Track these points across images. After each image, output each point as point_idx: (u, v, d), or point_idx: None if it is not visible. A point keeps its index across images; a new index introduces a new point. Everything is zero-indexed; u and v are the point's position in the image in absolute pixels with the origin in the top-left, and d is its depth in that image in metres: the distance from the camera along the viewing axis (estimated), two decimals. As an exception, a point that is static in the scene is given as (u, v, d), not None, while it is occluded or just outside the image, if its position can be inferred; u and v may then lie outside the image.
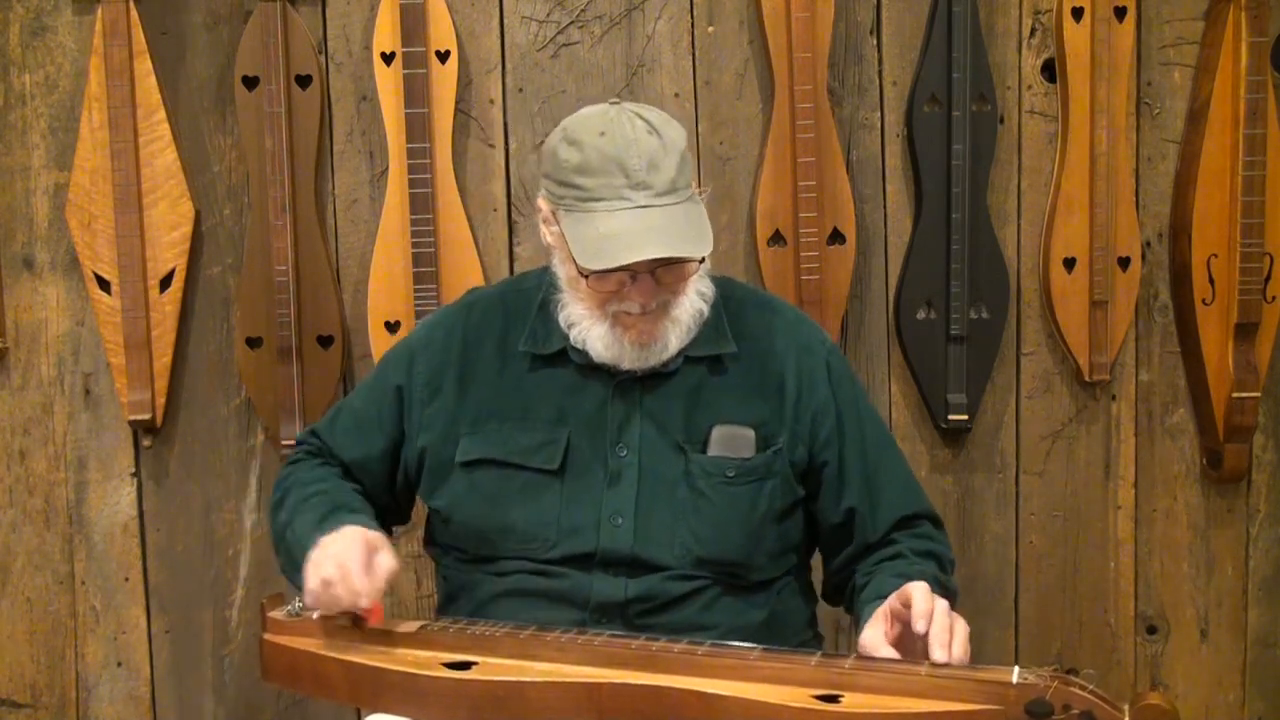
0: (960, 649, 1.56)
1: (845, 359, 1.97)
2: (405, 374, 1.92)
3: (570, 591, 1.79)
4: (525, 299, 1.91)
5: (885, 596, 1.68)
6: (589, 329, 1.80)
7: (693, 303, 1.81)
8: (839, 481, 1.87)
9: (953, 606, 1.81)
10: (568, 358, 1.84)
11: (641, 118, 1.74)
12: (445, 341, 1.91)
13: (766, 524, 1.83)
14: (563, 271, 1.82)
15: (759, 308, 1.93)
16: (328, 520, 1.78)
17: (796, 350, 1.88)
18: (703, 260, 1.78)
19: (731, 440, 1.82)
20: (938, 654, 1.54)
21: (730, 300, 1.90)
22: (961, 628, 1.59)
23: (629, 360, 1.80)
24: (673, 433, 1.82)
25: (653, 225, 1.69)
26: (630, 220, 1.69)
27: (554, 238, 1.80)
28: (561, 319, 1.83)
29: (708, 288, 1.84)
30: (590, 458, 1.82)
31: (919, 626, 1.57)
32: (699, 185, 1.80)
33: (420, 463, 1.90)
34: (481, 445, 1.85)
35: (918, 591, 1.61)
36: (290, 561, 1.82)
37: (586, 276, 1.74)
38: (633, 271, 1.72)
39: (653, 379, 1.83)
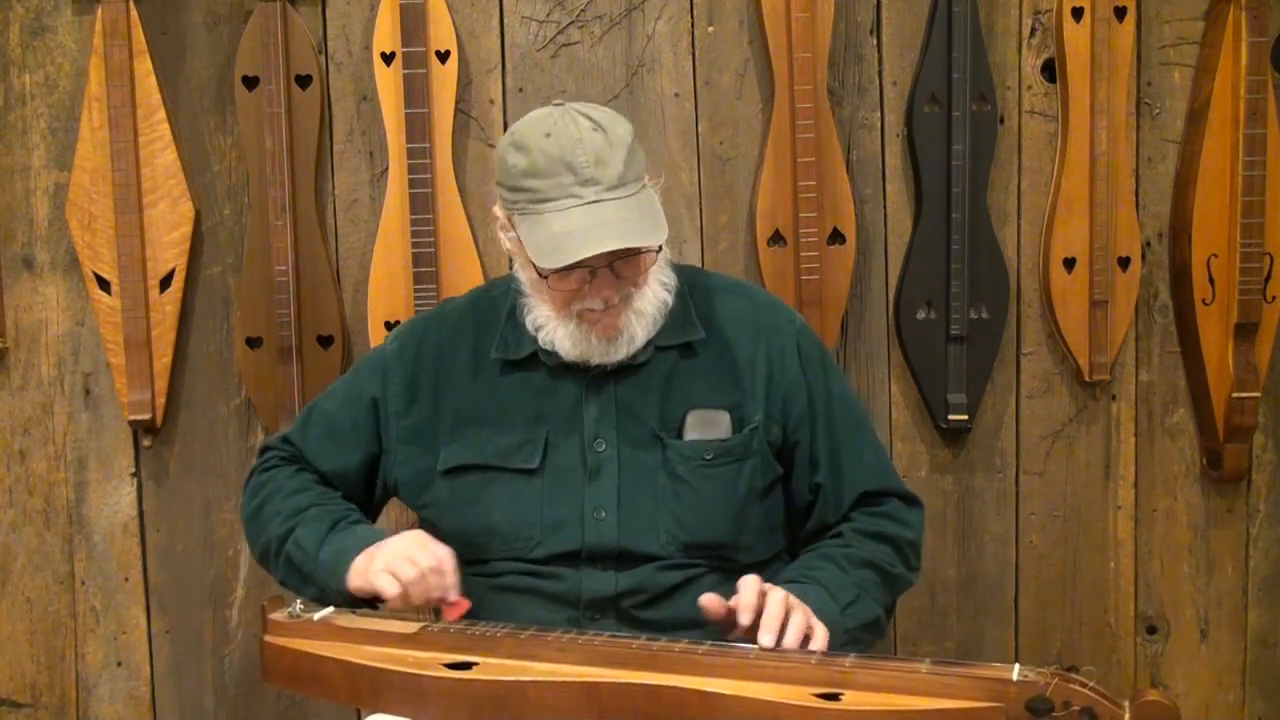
0: (794, 635, 1.61)
1: (817, 338, 1.97)
2: (380, 386, 1.94)
3: (561, 589, 1.80)
4: (494, 306, 1.94)
5: (793, 580, 1.75)
6: (555, 329, 1.82)
7: (655, 293, 1.82)
8: (810, 460, 1.89)
9: (896, 590, 1.86)
10: (539, 360, 1.87)
11: (586, 115, 1.75)
12: (417, 352, 1.94)
13: (749, 503, 1.84)
14: (525, 276, 1.85)
15: (727, 293, 1.94)
16: (338, 530, 1.82)
17: (767, 331, 1.90)
18: (660, 250, 1.80)
19: (707, 423, 1.84)
20: (764, 639, 1.59)
21: (696, 288, 1.92)
22: (799, 617, 1.63)
23: (597, 356, 1.82)
24: (648, 422, 1.83)
25: (605, 219, 1.70)
26: (582, 217, 1.70)
27: (513, 243, 1.83)
28: (529, 322, 1.85)
29: (669, 278, 1.86)
30: (569, 455, 1.84)
31: (743, 619, 1.61)
32: (650, 177, 1.80)
33: (400, 475, 1.91)
34: (461, 451, 1.87)
35: (744, 585, 1.64)
36: (292, 570, 1.86)
37: (547, 278, 1.76)
38: (591, 268, 1.74)
39: (624, 372, 1.85)
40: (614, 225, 1.70)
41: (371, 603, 1.78)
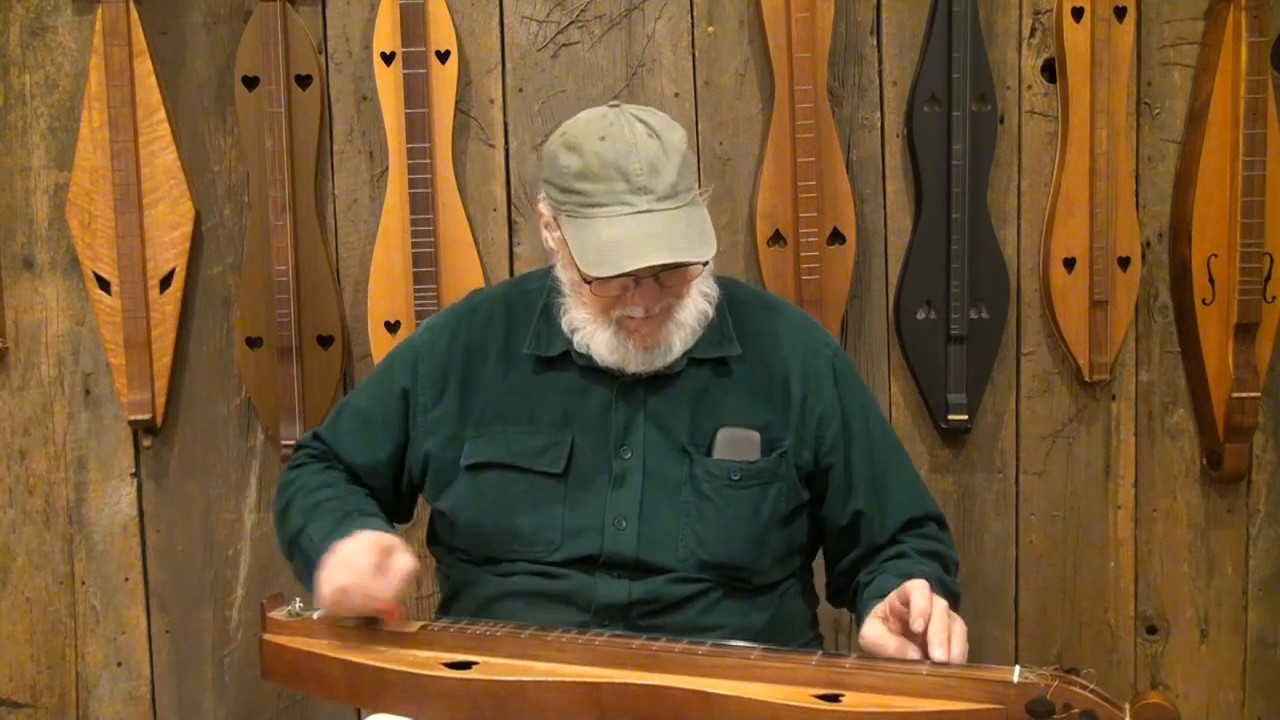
0: (959, 647, 1.56)
1: (851, 362, 1.96)
2: (410, 376, 1.91)
3: (573, 593, 1.79)
4: (528, 301, 1.91)
5: (887, 595, 1.67)
6: (593, 334, 1.79)
7: (696, 304, 1.80)
8: (846, 485, 1.86)
9: (955, 608, 1.81)
10: (571, 360, 1.84)
11: (641, 121, 1.73)
12: (449, 344, 1.91)
13: (771, 528, 1.82)
14: (565, 276, 1.82)
15: (763, 309, 1.92)
16: (344, 525, 1.79)
17: (802, 352, 1.88)
18: (706, 263, 1.77)
19: (736, 443, 1.81)
20: (937, 652, 1.54)
21: (734, 302, 1.89)
22: (960, 628, 1.59)
23: (633, 364, 1.80)
24: (677, 435, 1.81)
25: (655, 230, 1.68)
26: (633, 226, 1.68)
27: (556, 242, 1.80)
28: (564, 323, 1.83)
29: (711, 288, 1.84)
30: (594, 461, 1.81)
31: (916, 625, 1.57)
32: (700, 186, 1.79)
33: (424, 466, 1.90)
34: (486, 448, 1.85)
35: (916, 590, 1.60)
36: (307, 568, 1.82)
37: (589, 282, 1.74)
38: (636, 276, 1.71)
39: (657, 381, 1.82)
40: (664, 238, 1.67)
41: None
